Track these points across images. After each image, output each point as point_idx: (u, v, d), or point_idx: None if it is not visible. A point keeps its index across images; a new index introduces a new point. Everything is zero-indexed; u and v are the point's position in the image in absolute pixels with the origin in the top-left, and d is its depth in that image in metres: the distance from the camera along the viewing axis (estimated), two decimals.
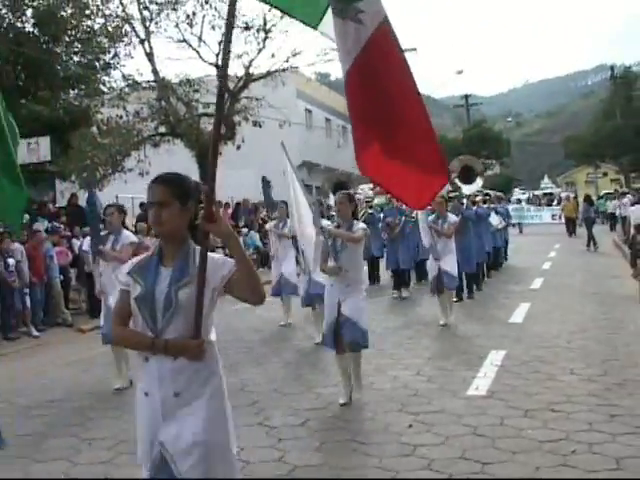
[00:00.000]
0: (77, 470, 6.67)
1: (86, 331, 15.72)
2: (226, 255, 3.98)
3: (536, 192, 71.35)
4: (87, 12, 23.98)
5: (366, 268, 18.67)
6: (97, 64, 24.94)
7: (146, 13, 26.39)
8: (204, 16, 26.73)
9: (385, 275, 19.86)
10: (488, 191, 25.12)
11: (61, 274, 16.78)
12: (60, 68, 23.66)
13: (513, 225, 34.64)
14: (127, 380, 9.75)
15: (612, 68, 74.17)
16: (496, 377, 9.23)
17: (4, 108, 6.16)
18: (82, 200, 22.23)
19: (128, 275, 3.84)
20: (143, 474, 3.81)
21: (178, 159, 26.97)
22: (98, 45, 24.25)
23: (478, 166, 18.87)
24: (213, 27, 26.91)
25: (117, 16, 25.34)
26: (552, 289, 17.86)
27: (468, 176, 17.93)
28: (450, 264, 13.43)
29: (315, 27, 4.44)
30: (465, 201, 17.73)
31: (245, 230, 25.13)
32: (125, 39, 25.43)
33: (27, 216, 18.55)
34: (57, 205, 23.27)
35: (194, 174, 26.69)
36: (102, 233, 10.31)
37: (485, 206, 20.85)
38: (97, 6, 24.21)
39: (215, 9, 26.61)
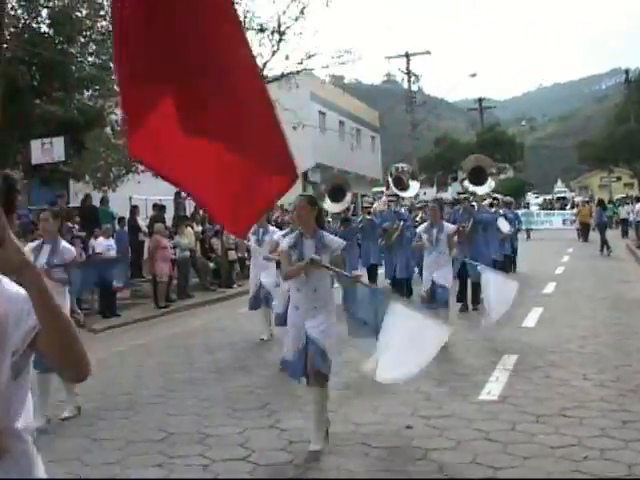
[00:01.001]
0: (87, 470, 6.68)
1: (98, 331, 15.76)
2: None
3: (549, 196, 71.18)
4: (102, 13, 24.03)
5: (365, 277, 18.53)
6: (111, 64, 24.96)
7: None
8: None
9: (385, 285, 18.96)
10: (496, 195, 23.82)
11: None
12: (75, 69, 23.74)
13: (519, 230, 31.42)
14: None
15: (627, 72, 73.94)
16: (508, 382, 9.20)
17: None
18: (96, 200, 22.34)
19: None
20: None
21: None
22: (113, 46, 24.33)
23: (490, 167, 17.85)
24: None
25: None
26: (565, 294, 17.80)
27: (479, 177, 17.09)
28: (445, 277, 12.03)
29: None
30: (476, 204, 16.66)
31: None
32: None
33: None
34: (70, 205, 23.35)
35: None
36: (35, 242, 8.69)
37: (492, 210, 19.25)
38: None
39: None
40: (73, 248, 8.90)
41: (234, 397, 9.06)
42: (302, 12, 27.01)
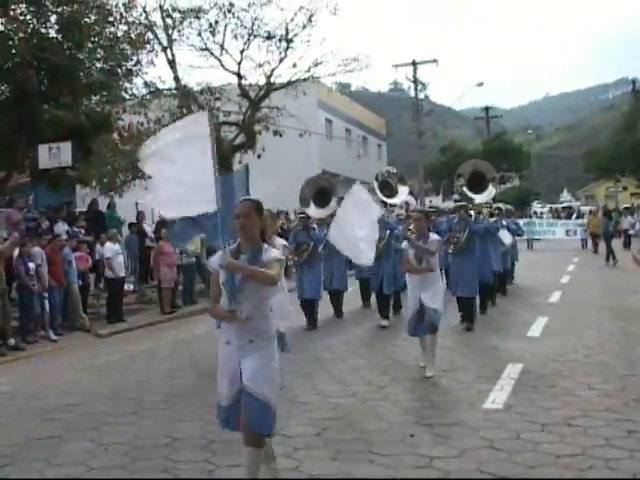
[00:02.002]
0: (93, 474, 6.70)
1: (104, 336, 15.80)
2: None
3: (555, 205, 71.09)
4: (110, 19, 24.06)
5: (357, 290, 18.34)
6: (119, 71, 25.00)
7: (169, 21, 26.54)
8: (226, 25, 26.90)
9: None
10: (499, 204, 22.12)
11: (80, 279, 16.88)
12: (83, 74, 23.74)
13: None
14: None
15: (634, 82, 73.81)
16: (513, 390, 9.19)
17: None
18: (102, 206, 22.40)
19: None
20: None
21: None
22: (121, 52, 24.33)
23: (490, 172, 16.19)
24: (235, 36, 27.08)
25: (140, 23, 25.43)
26: (570, 303, 17.78)
27: (478, 184, 15.57)
28: (434, 298, 10.46)
29: None
30: (473, 213, 15.26)
31: None
32: (148, 46, 25.49)
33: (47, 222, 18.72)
34: (77, 210, 23.39)
35: None
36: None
37: (492, 220, 17.68)
38: (120, 13, 24.29)
39: (237, 18, 26.81)
40: None
41: None
42: (310, 20, 27.08)
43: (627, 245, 37.65)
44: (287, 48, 27.35)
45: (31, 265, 14.99)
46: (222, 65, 27.75)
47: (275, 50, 27.43)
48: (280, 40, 27.25)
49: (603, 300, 18.38)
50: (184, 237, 12.26)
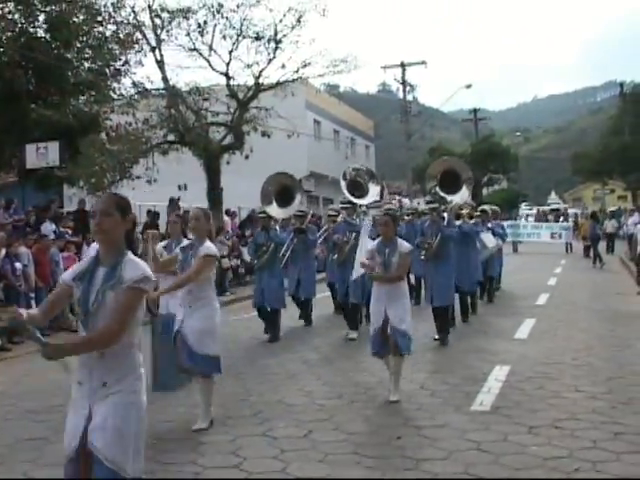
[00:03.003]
0: None
1: None
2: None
3: (543, 208, 71.25)
4: (99, 19, 24.08)
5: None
6: (108, 70, 25.02)
7: (157, 21, 26.49)
8: (215, 25, 26.87)
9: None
10: (484, 206, 20.33)
11: None
12: (71, 74, 23.75)
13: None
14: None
15: (621, 85, 74.27)
16: (500, 393, 9.20)
17: None
18: (89, 205, 22.33)
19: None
20: None
21: (186, 167, 27.06)
22: (109, 52, 24.35)
23: (465, 172, 14.10)
24: (224, 37, 27.06)
25: (129, 23, 25.43)
26: (558, 305, 17.81)
27: (452, 184, 13.69)
28: (402, 316, 9.05)
29: None
30: (446, 215, 13.58)
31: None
32: (136, 46, 25.53)
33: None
34: (64, 210, 23.32)
35: (202, 182, 26.76)
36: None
37: (472, 222, 15.94)
38: (109, 13, 24.33)
39: (226, 19, 26.79)
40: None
41: (226, 404, 9.05)
42: (299, 21, 27.08)
43: (611, 249, 36.37)
44: (276, 49, 27.36)
45: (18, 265, 14.93)
46: (210, 66, 27.73)
47: (264, 51, 27.46)
48: (269, 41, 27.26)
49: (591, 302, 18.44)
50: None
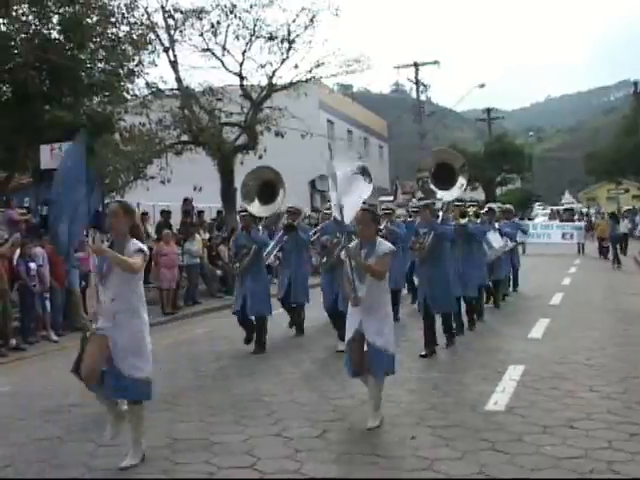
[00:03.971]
0: (93, 476, 6.68)
1: None
2: None
3: (556, 207, 70.99)
4: (112, 20, 24.06)
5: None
6: (121, 71, 24.99)
7: (171, 22, 26.55)
8: (228, 25, 26.89)
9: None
10: (491, 204, 19.29)
11: (82, 280, 16.87)
12: (84, 75, 23.74)
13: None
14: None
15: (635, 84, 73.98)
16: (515, 393, 9.17)
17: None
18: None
19: None
20: None
21: (200, 168, 27.10)
22: (122, 53, 24.34)
23: (457, 160, 12.68)
24: (237, 37, 27.07)
25: (142, 24, 25.42)
26: (572, 305, 17.76)
27: (446, 177, 12.30)
28: (380, 330, 7.85)
29: None
30: (441, 214, 12.35)
31: None
32: (149, 47, 25.50)
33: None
34: None
35: (215, 182, 26.79)
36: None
37: (478, 221, 15.07)
38: (122, 14, 24.30)
39: (239, 19, 26.79)
40: None
41: (240, 404, 9.06)
42: (312, 21, 27.08)
43: (623, 249, 34.32)
44: (289, 49, 27.36)
45: (32, 265, 14.99)
46: (224, 66, 27.76)
47: (277, 51, 27.46)
48: (282, 41, 27.26)
49: (605, 302, 18.37)
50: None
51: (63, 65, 21.72)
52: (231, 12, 26.57)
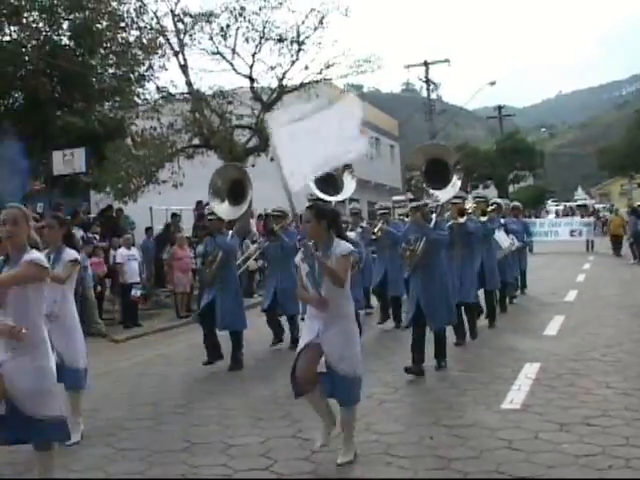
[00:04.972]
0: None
1: (120, 341, 15.83)
2: None
3: (569, 203, 70.75)
4: (122, 25, 24.18)
5: None
6: (132, 76, 25.10)
7: (180, 25, 26.56)
8: (238, 28, 26.86)
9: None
10: (497, 200, 17.79)
11: (96, 284, 16.92)
12: (95, 80, 23.88)
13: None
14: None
15: None
16: (531, 390, 9.15)
17: None
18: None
19: None
20: None
21: (211, 171, 27.09)
22: (133, 57, 24.44)
23: (450, 156, 11.46)
24: (247, 39, 27.04)
25: (152, 28, 25.51)
26: (587, 302, 17.69)
27: (439, 175, 10.96)
28: (341, 350, 6.72)
29: None
30: (434, 217, 10.87)
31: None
32: (159, 51, 25.59)
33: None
34: (91, 215, 23.48)
35: None
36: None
37: (484, 219, 13.86)
38: (132, 19, 24.41)
39: (249, 22, 26.76)
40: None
41: (256, 407, 9.07)
42: (321, 22, 27.05)
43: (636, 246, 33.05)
44: (299, 50, 27.32)
45: None
46: (234, 69, 27.74)
47: (287, 53, 27.40)
48: (292, 43, 27.23)
49: (620, 298, 18.29)
50: None
51: (74, 71, 21.83)
52: (240, 15, 26.57)
